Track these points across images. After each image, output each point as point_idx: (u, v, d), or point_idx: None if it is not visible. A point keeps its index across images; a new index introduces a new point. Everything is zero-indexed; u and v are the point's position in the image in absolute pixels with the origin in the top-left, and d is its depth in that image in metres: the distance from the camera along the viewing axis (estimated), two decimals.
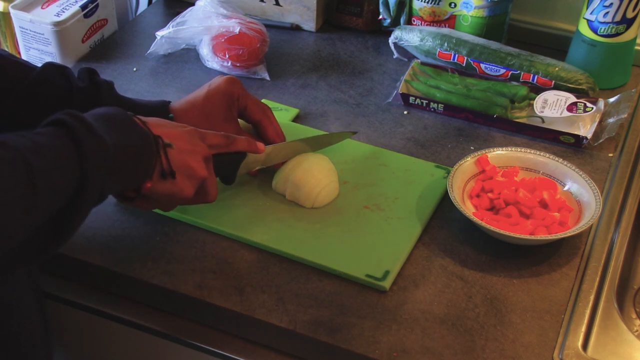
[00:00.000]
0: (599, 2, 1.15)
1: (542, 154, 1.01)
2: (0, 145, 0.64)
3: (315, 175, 0.97)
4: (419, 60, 1.24)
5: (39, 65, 0.91)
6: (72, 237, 0.71)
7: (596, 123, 1.11)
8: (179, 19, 1.25)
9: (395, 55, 1.29)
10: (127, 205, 0.82)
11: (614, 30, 1.17)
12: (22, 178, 0.63)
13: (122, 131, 0.75)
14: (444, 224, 0.97)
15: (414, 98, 1.16)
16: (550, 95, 1.14)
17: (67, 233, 0.70)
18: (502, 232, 0.90)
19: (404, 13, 1.30)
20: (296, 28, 1.36)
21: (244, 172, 0.95)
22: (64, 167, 0.67)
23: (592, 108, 1.11)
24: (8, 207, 0.62)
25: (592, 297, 0.88)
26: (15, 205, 0.63)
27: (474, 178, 1.00)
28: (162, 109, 0.94)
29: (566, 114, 1.11)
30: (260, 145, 0.93)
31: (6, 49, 1.27)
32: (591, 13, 1.17)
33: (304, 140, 1.01)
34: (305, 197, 0.97)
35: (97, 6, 1.27)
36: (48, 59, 1.23)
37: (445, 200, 0.99)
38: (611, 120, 1.11)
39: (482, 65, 1.20)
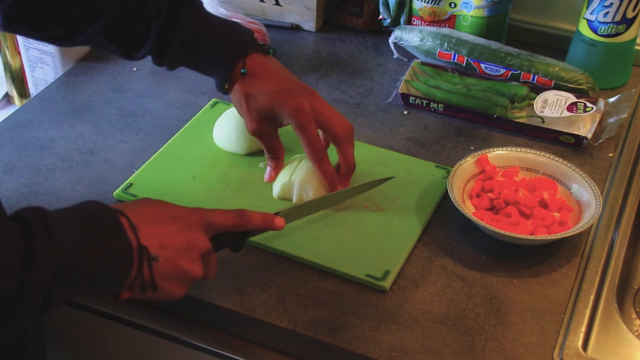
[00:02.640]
0: (599, 2, 1.15)
1: (542, 154, 1.01)
2: None
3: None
4: (419, 60, 1.24)
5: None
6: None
7: (596, 123, 1.11)
8: None
9: (395, 55, 1.29)
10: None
11: (614, 30, 1.17)
12: None
13: (97, 241, 0.67)
14: (444, 224, 0.97)
15: (414, 98, 1.16)
16: (550, 95, 1.14)
17: None
18: (502, 232, 0.90)
19: (404, 13, 1.30)
20: (296, 28, 1.36)
21: (256, 235, 0.87)
22: (1, 272, 0.61)
23: (592, 108, 1.11)
24: None
25: (592, 297, 0.88)
26: None
27: (474, 178, 1.00)
28: (244, 42, 0.94)
29: (566, 114, 1.11)
30: (279, 222, 0.85)
31: (6, 49, 1.27)
32: (591, 13, 1.17)
33: (324, 198, 0.95)
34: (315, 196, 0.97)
35: None
36: (48, 59, 1.23)
37: (445, 200, 0.99)
38: (611, 120, 1.11)
39: (482, 65, 1.20)
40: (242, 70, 0.94)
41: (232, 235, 0.82)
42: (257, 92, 0.94)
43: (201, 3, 0.93)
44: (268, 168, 1.00)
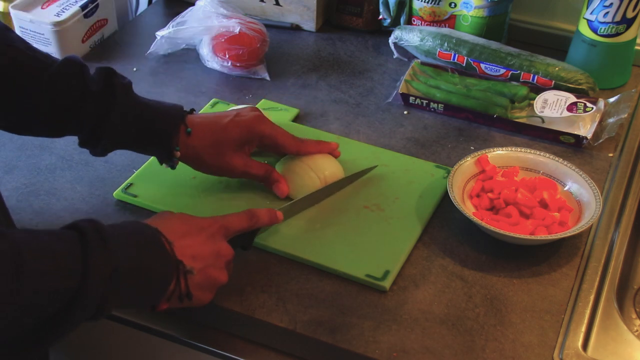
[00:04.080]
0: (599, 2, 1.15)
1: (542, 154, 1.01)
2: None
3: (313, 164, 0.99)
4: (419, 60, 1.24)
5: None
6: (56, 344, 0.68)
7: (596, 123, 1.11)
8: (179, 19, 1.25)
9: (395, 55, 1.29)
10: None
11: (614, 30, 1.17)
12: (7, 275, 0.61)
13: (143, 254, 0.73)
14: (444, 224, 0.97)
15: (414, 98, 1.16)
16: (550, 95, 1.14)
17: (51, 340, 0.67)
18: (502, 232, 0.90)
19: (404, 13, 1.30)
20: (296, 28, 1.36)
21: (261, 233, 0.92)
22: (61, 275, 0.65)
23: (592, 108, 1.11)
24: None
25: (592, 297, 0.88)
26: None
27: (474, 178, 1.00)
28: (178, 116, 0.93)
29: (566, 114, 1.11)
30: (280, 214, 0.91)
31: None
32: (591, 13, 1.17)
33: (321, 190, 0.98)
34: (313, 180, 0.98)
35: (97, 6, 1.27)
36: None
37: (445, 200, 0.99)
38: (611, 120, 1.11)
39: (482, 65, 1.20)
40: (187, 130, 0.93)
41: (243, 235, 0.87)
42: (218, 131, 0.94)
43: (130, 83, 0.91)
44: (274, 185, 0.99)
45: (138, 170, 1.04)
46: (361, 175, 1.02)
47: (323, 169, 0.98)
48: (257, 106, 1.07)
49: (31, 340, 0.67)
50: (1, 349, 0.67)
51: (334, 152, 1.02)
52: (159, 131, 0.92)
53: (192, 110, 0.97)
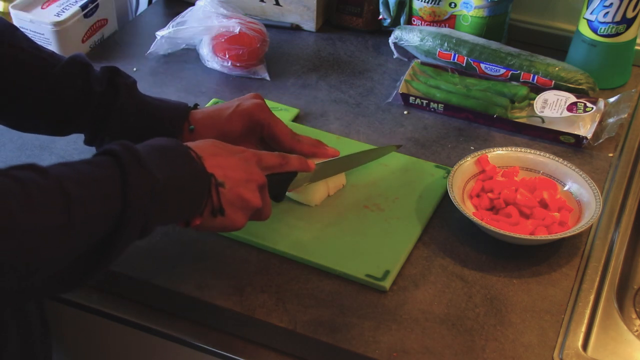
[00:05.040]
0: (599, 2, 1.15)
1: (542, 154, 1.01)
2: (40, 174, 0.64)
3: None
4: (419, 60, 1.24)
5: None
6: (107, 268, 0.70)
7: (596, 123, 1.11)
8: (179, 19, 1.25)
9: (395, 55, 1.29)
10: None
11: (614, 30, 1.17)
12: (57, 207, 0.63)
13: (175, 167, 0.74)
14: (444, 224, 0.97)
15: (414, 98, 1.16)
16: (550, 95, 1.14)
17: (103, 265, 0.69)
18: (502, 232, 0.90)
19: (404, 13, 1.30)
20: (296, 28, 1.36)
21: (292, 189, 0.94)
22: (105, 199, 0.67)
23: (592, 108, 1.11)
24: (42, 236, 0.62)
25: (592, 297, 0.88)
26: (49, 234, 0.62)
27: (474, 178, 1.00)
28: (181, 116, 0.93)
29: (566, 114, 1.11)
30: (311, 163, 0.93)
31: None
32: (591, 13, 1.17)
33: (351, 156, 1.00)
34: (314, 192, 0.97)
35: (97, 6, 1.27)
36: None
37: (445, 200, 0.99)
38: (611, 120, 1.11)
39: (482, 65, 1.20)
40: (190, 127, 0.93)
41: (274, 184, 0.89)
42: (220, 124, 0.94)
43: (134, 82, 0.92)
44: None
45: None
46: (389, 151, 1.04)
47: None
48: None
49: (85, 265, 0.68)
50: (58, 277, 0.68)
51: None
52: (161, 132, 0.91)
53: (196, 106, 0.96)
